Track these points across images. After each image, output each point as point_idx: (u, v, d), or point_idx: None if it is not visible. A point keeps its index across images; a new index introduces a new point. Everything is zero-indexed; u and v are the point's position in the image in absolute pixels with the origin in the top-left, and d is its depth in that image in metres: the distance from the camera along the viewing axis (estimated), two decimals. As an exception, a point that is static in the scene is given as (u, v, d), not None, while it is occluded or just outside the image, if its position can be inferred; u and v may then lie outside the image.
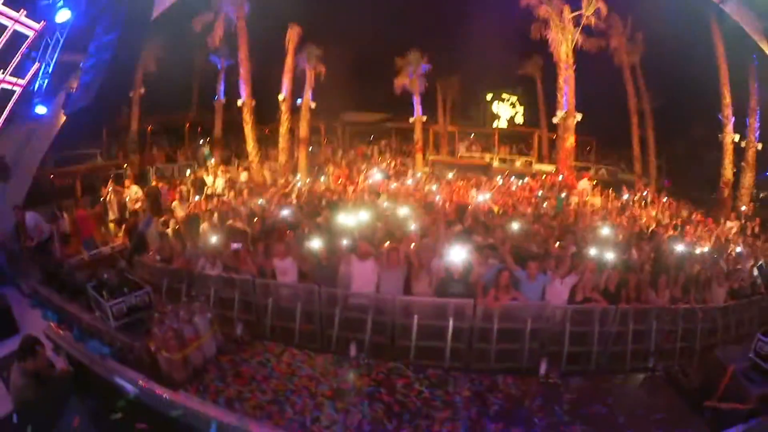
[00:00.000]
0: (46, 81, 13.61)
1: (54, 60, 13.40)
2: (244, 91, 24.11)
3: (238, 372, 8.43)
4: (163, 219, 14.14)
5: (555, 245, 11.79)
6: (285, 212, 13.54)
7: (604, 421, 7.72)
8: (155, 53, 23.76)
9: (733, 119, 21.05)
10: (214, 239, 11.67)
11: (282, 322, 9.76)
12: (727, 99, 20.98)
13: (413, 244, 10.63)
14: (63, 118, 15.09)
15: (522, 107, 35.65)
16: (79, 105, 14.93)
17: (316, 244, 10.65)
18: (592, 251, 11.32)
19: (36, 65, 13.19)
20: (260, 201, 15.14)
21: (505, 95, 35.81)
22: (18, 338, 8.06)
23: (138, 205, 16.12)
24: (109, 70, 14.37)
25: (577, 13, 22.54)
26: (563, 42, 22.78)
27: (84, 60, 14.24)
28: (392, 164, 25.91)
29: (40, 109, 13.82)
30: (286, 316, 9.72)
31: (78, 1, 12.53)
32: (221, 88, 26.35)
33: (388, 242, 10.82)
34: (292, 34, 24.16)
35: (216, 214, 14.03)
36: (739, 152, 21.22)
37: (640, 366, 9.48)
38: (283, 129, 24.90)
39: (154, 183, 18.56)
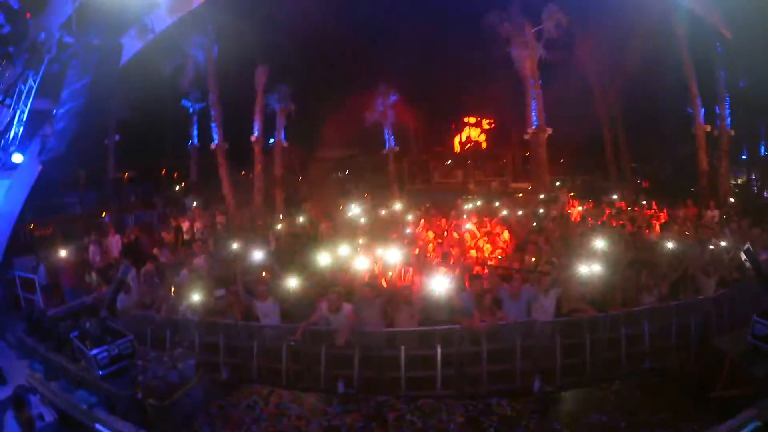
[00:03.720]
0: (21, 129, 13.45)
1: (28, 107, 13.28)
2: (217, 133, 23.93)
3: (227, 417, 8.45)
4: (145, 266, 13.92)
5: (535, 259, 11.76)
6: (261, 254, 13.37)
7: (605, 429, 7.70)
8: (128, 99, 23.68)
9: (703, 110, 21.16)
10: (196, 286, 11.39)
11: (268, 364, 9.61)
12: (695, 91, 21.06)
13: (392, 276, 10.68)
14: (39, 167, 14.98)
15: (492, 128, 35.76)
16: (54, 153, 14.79)
17: (292, 284, 10.53)
18: (575, 261, 11.22)
19: (11, 113, 13.05)
20: (238, 244, 14.97)
21: (473, 118, 35.87)
22: (5, 389, 8.29)
23: (118, 254, 15.93)
24: (82, 116, 14.28)
25: (538, 27, 22.63)
26: (528, 58, 22.86)
27: (57, 107, 14.16)
28: (368, 198, 25.81)
29: (17, 158, 13.66)
30: (272, 357, 9.58)
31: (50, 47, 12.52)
32: (194, 132, 26.29)
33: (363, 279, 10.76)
34: (260, 75, 24.05)
35: (198, 259, 13.84)
36: (711, 142, 21.34)
37: (636, 369, 9.40)
38: (257, 169, 24.66)
39: (133, 231, 18.37)
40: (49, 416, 7.21)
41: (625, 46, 21.97)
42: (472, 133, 35.76)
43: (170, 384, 8.34)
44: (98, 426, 6.83)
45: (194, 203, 22.42)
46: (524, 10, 22.76)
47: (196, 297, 10.72)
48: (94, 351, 8.56)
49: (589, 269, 10.44)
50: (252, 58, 23.54)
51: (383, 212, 20.82)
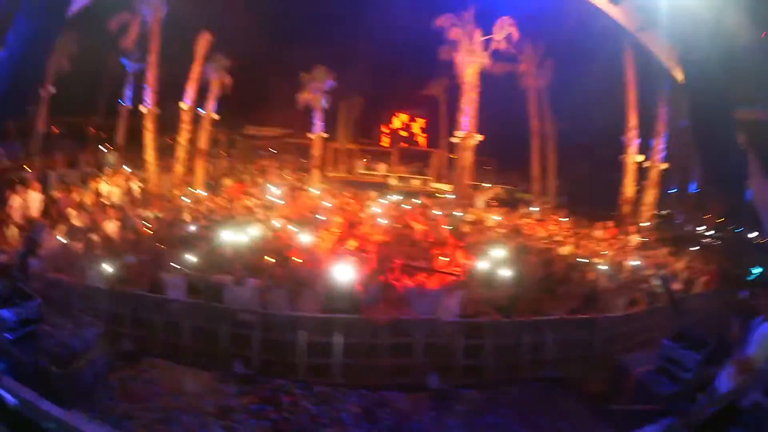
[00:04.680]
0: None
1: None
2: (149, 97, 23.01)
3: (127, 390, 8.20)
4: (61, 227, 13.47)
5: (444, 259, 11.92)
6: (175, 226, 13.20)
7: (499, 430, 7.81)
8: (69, 51, 22.81)
9: (638, 141, 21.89)
10: (108, 251, 11.16)
11: (171, 338, 9.37)
12: (633, 122, 21.79)
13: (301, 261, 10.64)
14: None
15: (424, 127, 36.03)
16: None
17: (194, 259, 10.45)
18: (485, 265, 11.48)
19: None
20: (153, 213, 14.71)
21: (405, 115, 36.08)
22: None
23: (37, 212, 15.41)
24: (20, 65, 13.73)
25: (488, 37, 22.85)
26: (470, 65, 23.08)
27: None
28: (289, 179, 25.65)
29: None
30: (175, 331, 9.35)
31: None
32: (128, 92, 25.52)
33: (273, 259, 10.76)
34: (203, 42, 23.38)
35: (111, 225, 13.50)
36: (642, 172, 22.10)
37: (537, 376, 9.53)
38: (183, 139, 23.90)
39: (53, 189, 17.78)
40: None
41: (573, 70, 22.36)
42: (401, 128, 35.99)
43: (73, 352, 8.06)
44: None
45: (115, 166, 21.85)
46: (478, 18, 22.94)
47: (105, 263, 10.47)
48: (4, 313, 8.37)
49: (498, 275, 10.70)
50: (197, 24, 22.91)
51: (301, 196, 20.93)
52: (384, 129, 35.91)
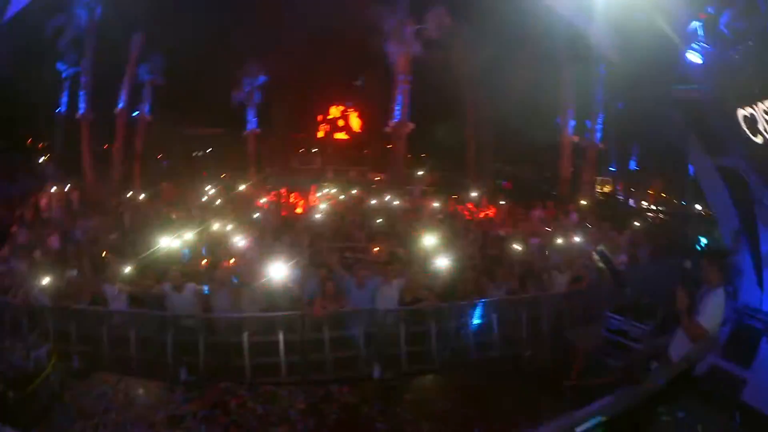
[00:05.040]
0: None
1: None
2: (84, 102, 23.01)
3: (80, 407, 8.14)
4: (3, 248, 13.25)
5: (381, 248, 12.00)
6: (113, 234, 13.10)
7: (450, 415, 7.93)
8: (5, 60, 22.23)
9: (572, 122, 22.34)
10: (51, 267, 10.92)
11: (118, 351, 9.36)
12: (567, 105, 22.20)
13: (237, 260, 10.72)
14: None
15: (359, 118, 36.14)
16: None
17: (131, 269, 10.39)
18: (424, 252, 11.67)
19: None
20: (92, 222, 14.50)
21: (339, 107, 36.17)
22: None
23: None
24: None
25: (420, 26, 23.02)
26: (401, 54, 23.26)
27: None
28: (226, 178, 25.57)
29: None
30: (122, 344, 9.35)
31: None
32: (64, 99, 24.97)
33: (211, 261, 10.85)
34: (135, 43, 23.29)
35: (52, 239, 13.32)
36: (580, 152, 22.55)
37: (484, 358, 9.77)
38: (118, 144, 23.89)
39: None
40: None
41: (506, 54, 22.61)
42: (336, 120, 36.05)
43: (26, 374, 8.03)
44: None
45: (54, 178, 21.45)
46: (410, 7, 23.08)
47: (47, 280, 10.29)
48: None
49: (436, 261, 10.84)
50: (132, 25, 22.65)
51: (237, 194, 20.88)
52: (319, 121, 35.73)
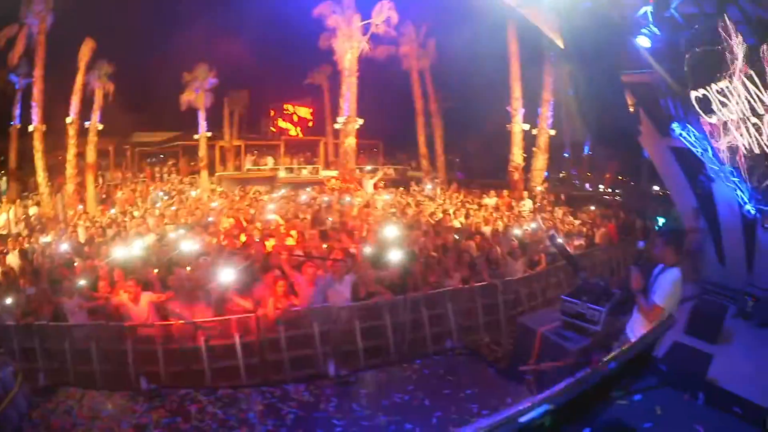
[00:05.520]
0: None
1: None
2: (36, 114, 22.50)
3: (48, 424, 8.15)
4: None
5: (329, 246, 12.22)
6: (64, 248, 13.14)
7: (408, 407, 8.02)
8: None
9: (523, 111, 22.72)
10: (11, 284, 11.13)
11: (81, 365, 9.39)
12: (517, 93, 22.65)
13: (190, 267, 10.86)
14: None
15: (310, 116, 36.20)
16: None
17: (84, 281, 10.46)
18: (374, 246, 11.96)
19: None
20: (47, 238, 14.64)
21: (290, 106, 36.18)
22: None
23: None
24: None
25: (366, 21, 23.18)
26: (348, 50, 23.43)
27: None
28: (177, 183, 25.60)
29: None
30: (84, 358, 9.38)
31: None
32: (17, 111, 24.61)
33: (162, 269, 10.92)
34: (85, 50, 23.01)
35: (9, 256, 13.34)
36: (530, 140, 22.90)
37: (441, 348, 10.03)
38: (71, 155, 23.36)
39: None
40: None
41: (455, 48, 22.86)
42: (287, 120, 36.12)
43: None
44: None
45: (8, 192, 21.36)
46: (357, 3, 23.24)
47: (8, 298, 10.45)
48: None
49: (389, 254, 11.09)
50: (82, 33, 22.51)
51: (189, 199, 21.09)
52: (270, 122, 36.08)
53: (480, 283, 11.00)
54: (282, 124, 36.25)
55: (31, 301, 10.47)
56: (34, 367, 9.42)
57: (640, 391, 4.41)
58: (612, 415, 4.16)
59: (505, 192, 19.97)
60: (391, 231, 13.05)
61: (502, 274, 11.72)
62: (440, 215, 16.44)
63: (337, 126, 25.55)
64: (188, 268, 10.90)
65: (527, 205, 18.30)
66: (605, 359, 5.08)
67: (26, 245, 14.30)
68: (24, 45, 22.16)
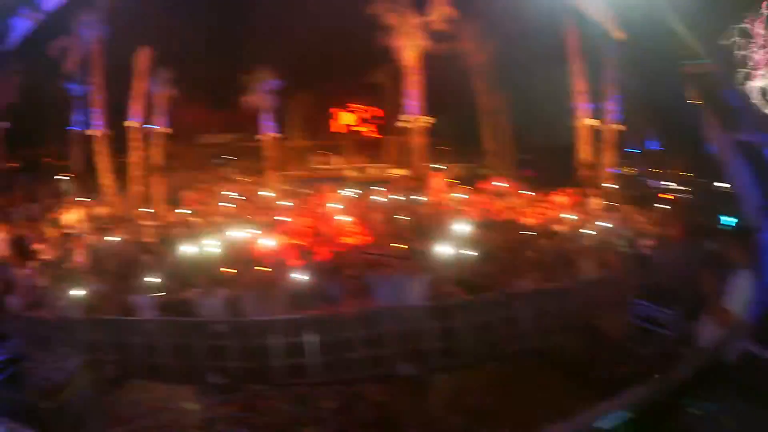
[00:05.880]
0: None
1: None
2: (98, 119, 22.99)
3: (114, 414, 8.35)
4: (30, 264, 13.50)
5: (405, 245, 11.91)
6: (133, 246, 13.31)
7: (481, 411, 7.82)
8: (17, 83, 22.40)
9: (590, 106, 22.04)
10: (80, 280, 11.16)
11: (150, 358, 9.54)
12: (580, 87, 21.92)
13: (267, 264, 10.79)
14: None
15: (374, 115, 35.93)
16: None
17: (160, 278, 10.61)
18: (449, 245, 11.45)
19: None
20: (117, 237, 14.87)
21: (355, 105, 35.97)
22: None
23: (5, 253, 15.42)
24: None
25: (424, 18, 22.80)
26: (409, 48, 23.06)
27: None
28: (245, 184, 25.68)
29: None
30: (153, 350, 9.52)
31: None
32: (77, 117, 25.11)
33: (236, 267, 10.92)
34: (143, 58, 23.21)
35: (77, 254, 13.59)
36: (596, 136, 22.28)
37: (513, 352, 9.63)
38: (136, 157, 23.82)
39: (18, 227, 17.70)
40: None
41: (514, 41, 22.36)
42: (351, 119, 35.86)
43: (59, 384, 8.23)
44: None
45: (74, 194, 21.76)
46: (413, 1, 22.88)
47: (77, 293, 10.57)
48: None
49: (462, 254, 10.83)
50: (139, 40, 22.74)
51: (258, 198, 21.19)
52: (335, 121, 35.62)
53: (552, 285, 10.59)
54: (346, 122, 35.98)
55: (99, 296, 10.61)
56: (101, 359, 9.54)
57: (711, 401, 4.34)
58: (687, 425, 4.18)
59: (574, 190, 19.41)
60: (463, 229, 12.76)
61: (574, 276, 11.30)
62: (512, 214, 16.08)
63: (403, 124, 24.93)
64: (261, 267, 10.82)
65: (596, 203, 17.82)
66: (677, 366, 4.75)
67: (93, 243, 14.65)
68: (79, 55, 22.62)
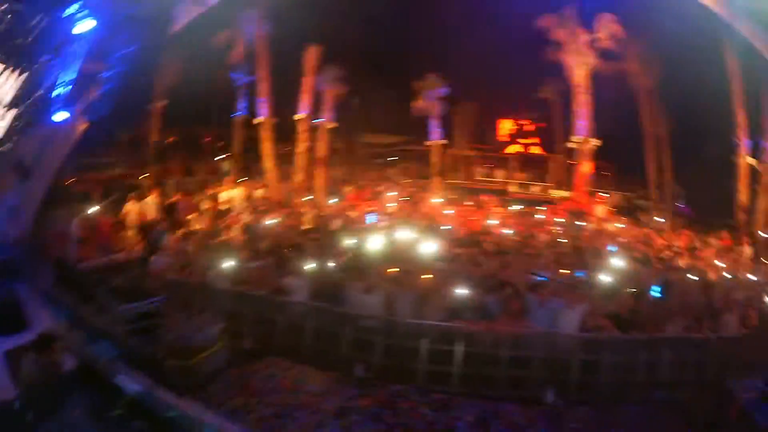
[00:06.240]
0: (68, 88, 13.76)
1: (77, 69, 13.59)
2: (264, 108, 24.02)
3: (245, 385, 8.66)
4: (180, 232, 14.28)
5: (565, 271, 11.77)
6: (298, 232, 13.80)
7: None
8: (175, 67, 23.72)
9: (748, 142, 20.48)
10: (231, 254, 11.80)
11: (292, 339, 9.84)
12: (742, 121, 20.40)
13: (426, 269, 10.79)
14: (83, 126, 15.29)
15: (538, 131, 35.09)
16: (100, 113, 15.18)
17: (318, 265, 10.98)
18: (606, 277, 11.25)
19: (58, 72, 13.34)
20: (274, 219, 15.43)
21: (519, 120, 35.31)
22: (26, 333, 8.26)
23: (155, 216, 16.36)
24: (129, 80, 14.58)
25: (592, 36, 22.08)
26: (579, 65, 22.39)
27: (105, 69, 14.46)
28: (409, 187, 25.77)
29: (60, 116, 13.95)
30: (297, 333, 9.81)
31: (101, 12, 12.80)
32: (240, 104, 26.26)
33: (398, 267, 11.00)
34: (311, 55, 23.94)
35: (234, 230, 14.35)
36: (755, 176, 20.68)
37: (649, 396, 9.31)
38: (301, 148, 24.58)
39: (172, 195, 18.70)
40: (70, 364, 7.17)
41: (674, 66, 21.38)
42: (517, 132, 35.20)
43: (194, 346, 8.66)
44: (118, 379, 6.86)
45: (233, 174, 22.71)
46: (578, 16, 22.25)
47: (228, 266, 11.13)
48: (123, 307, 9.10)
49: (618, 288, 10.56)
50: (303, 36, 23.54)
51: (423, 203, 21.11)
52: (498, 134, 34.75)
53: (698, 335, 10.08)
54: (510, 136, 35.48)
55: (253, 273, 11.12)
56: (240, 330, 10.04)
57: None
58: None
59: (727, 234, 18.23)
60: (621, 263, 12.47)
61: (716, 329, 10.79)
62: (669, 253, 15.38)
63: (570, 145, 24.31)
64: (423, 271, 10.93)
65: (747, 251, 16.79)
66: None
67: (248, 222, 15.41)
68: (243, 47, 23.81)
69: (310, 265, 10.99)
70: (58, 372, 6.71)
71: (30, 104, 12.49)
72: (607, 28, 21.54)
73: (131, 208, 16.03)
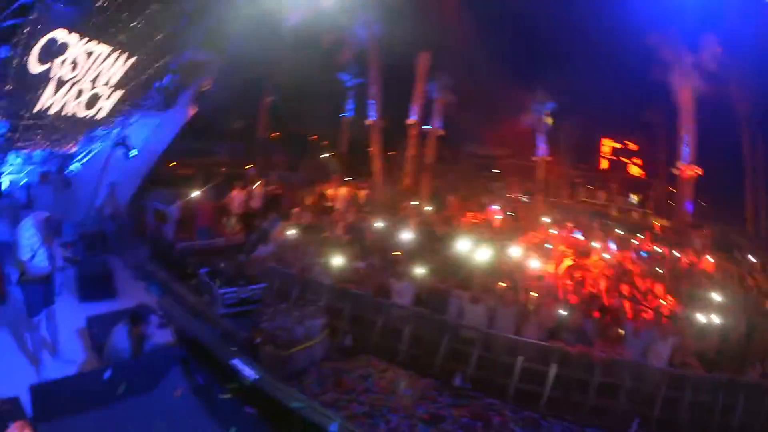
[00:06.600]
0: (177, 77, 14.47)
1: (187, 58, 14.27)
2: (374, 111, 24.62)
3: (339, 380, 8.93)
4: (285, 223, 14.85)
5: (663, 302, 11.74)
6: (405, 236, 14.07)
7: None
8: (284, 65, 24.36)
9: None
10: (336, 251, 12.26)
11: (389, 341, 10.18)
12: None
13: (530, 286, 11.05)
14: (192, 112, 15.97)
15: (641, 153, 33.99)
16: (212, 103, 15.90)
17: (423, 270, 11.20)
18: (698, 313, 11.08)
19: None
20: (380, 222, 15.67)
21: (622, 141, 34.35)
22: (115, 303, 8.98)
23: (257, 205, 17.21)
24: (241, 73, 15.16)
25: (697, 56, 21.01)
26: (686, 88, 21.33)
27: (216, 59, 15.13)
28: (516, 202, 25.74)
29: (168, 102, 14.54)
30: (395, 335, 10.16)
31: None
32: (349, 105, 26.85)
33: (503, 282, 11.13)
34: (422, 61, 24.43)
35: (338, 227, 14.88)
36: None
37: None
38: (410, 153, 25.07)
39: (277, 187, 19.43)
40: (162, 338, 7.20)
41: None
42: (620, 154, 34.53)
43: (294, 337, 8.99)
44: (234, 362, 6.70)
45: (340, 173, 23.28)
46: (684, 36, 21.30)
47: (334, 262, 11.62)
48: (223, 290, 9.65)
49: (708, 325, 10.46)
50: (415, 42, 23.63)
51: (530, 220, 21.06)
52: (601, 155, 34.39)
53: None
54: (612, 158, 34.69)
55: (358, 273, 11.65)
56: (339, 327, 10.42)
57: None
58: None
59: None
60: (714, 300, 12.18)
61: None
62: (758, 295, 14.80)
63: (674, 171, 22.98)
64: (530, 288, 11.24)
65: None
66: None
67: (354, 221, 15.97)
68: (353, 50, 24.61)
69: (415, 270, 11.27)
70: (149, 346, 6.81)
71: (135, 86, 13.06)
72: (709, 48, 20.69)
73: (235, 196, 16.81)
